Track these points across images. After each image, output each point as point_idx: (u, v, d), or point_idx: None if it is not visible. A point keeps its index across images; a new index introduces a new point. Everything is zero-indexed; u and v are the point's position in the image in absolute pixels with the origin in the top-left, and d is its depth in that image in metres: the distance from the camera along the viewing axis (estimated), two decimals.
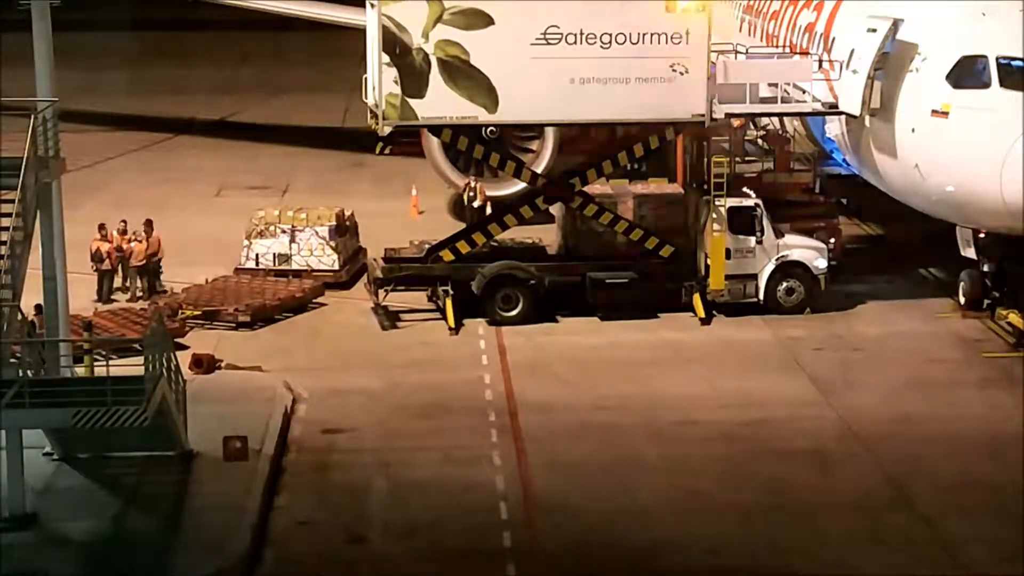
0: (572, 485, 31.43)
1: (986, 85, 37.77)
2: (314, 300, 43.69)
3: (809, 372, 37.95)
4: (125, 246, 44.11)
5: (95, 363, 33.77)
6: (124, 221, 45.00)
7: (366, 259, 45.53)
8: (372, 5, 41.16)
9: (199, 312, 41.53)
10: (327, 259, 45.24)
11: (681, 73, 40.78)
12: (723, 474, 31.94)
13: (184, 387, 32.07)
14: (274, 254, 45.30)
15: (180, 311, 41.14)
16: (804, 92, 42.92)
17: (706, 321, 41.75)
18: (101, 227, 44.57)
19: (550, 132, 49.88)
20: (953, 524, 29.53)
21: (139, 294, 43.88)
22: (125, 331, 38.64)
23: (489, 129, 44.78)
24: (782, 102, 42.68)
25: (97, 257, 43.70)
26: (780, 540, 28.94)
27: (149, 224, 44.96)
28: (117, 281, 44.49)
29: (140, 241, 44.32)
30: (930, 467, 32.17)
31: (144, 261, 44.21)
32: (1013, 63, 37.64)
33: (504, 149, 45.56)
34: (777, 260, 42.27)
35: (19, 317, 29.70)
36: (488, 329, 41.44)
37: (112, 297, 43.80)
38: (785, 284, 42.31)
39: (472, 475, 31.94)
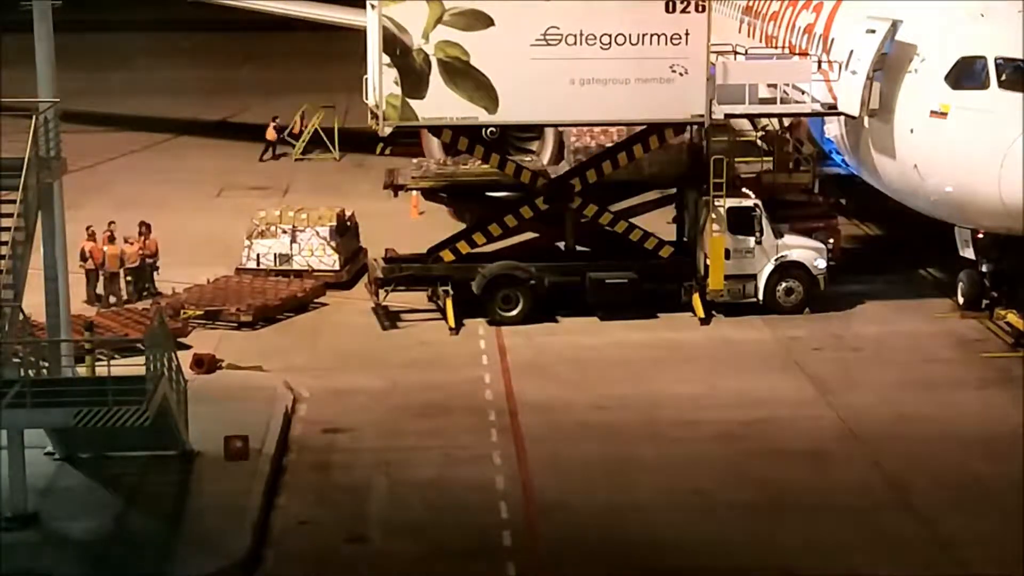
0: (572, 485, 31.50)
1: (985, 86, 37.87)
2: (315, 300, 43.76)
3: (808, 372, 38.03)
4: (108, 247, 43.93)
5: (96, 363, 33.85)
6: (112, 223, 44.88)
7: (367, 259, 45.62)
8: (372, 6, 41.23)
9: (201, 312, 41.61)
10: (328, 259, 45.31)
11: (681, 74, 40.87)
12: (723, 474, 32.01)
13: (185, 387, 32.15)
14: (275, 254, 45.35)
15: (182, 311, 41.21)
16: (803, 93, 42.97)
17: (706, 321, 41.84)
18: (88, 228, 44.29)
19: (550, 132, 50.02)
20: (952, 524, 29.58)
21: (129, 295, 43.82)
22: (127, 331, 38.70)
23: (489, 130, 44.85)
24: (781, 103, 42.75)
25: (81, 256, 43.42)
26: (779, 540, 29.00)
27: (145, 226, 44.94)
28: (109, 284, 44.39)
29: (132, 243, 44.25)
30: (929, 467, 32.22)
31: (138, 263, 44.16)
32: (1012, 64, 37.76)
33: (504, 150, 45.63)
34: (776, 260, 42.33)
35: (20, 317, 29.79)
36: (488, 329, 41.52)
37: (98, 297, 43.63)
38: (784, 284, 42.38)
39: (472, 475, 32.02)
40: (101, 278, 43.76)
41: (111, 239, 44.07)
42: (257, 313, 41.72)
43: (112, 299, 43.62)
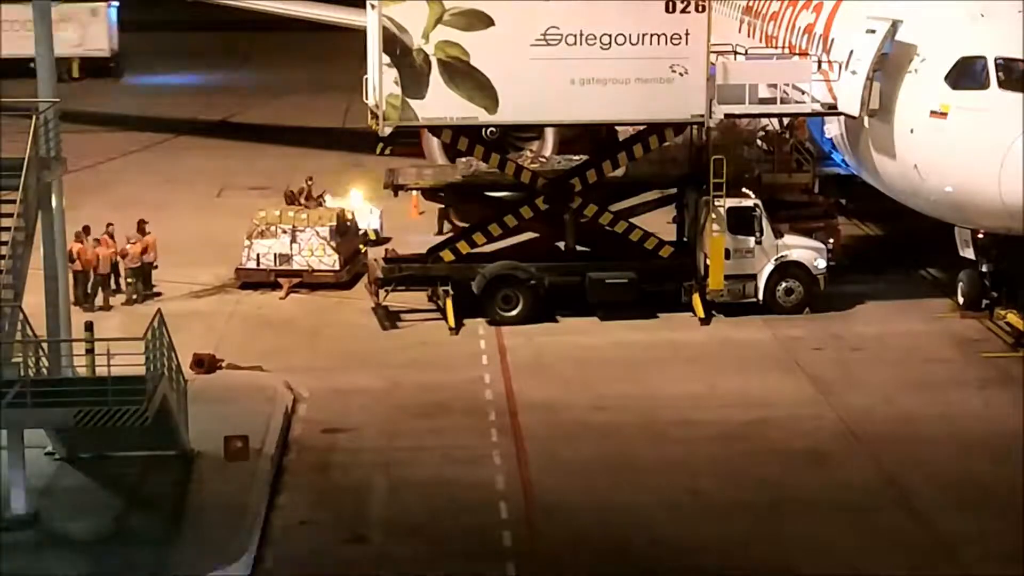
0: (572, 485, 31.50)
1: (985, 86, 37.87)
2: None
3: (808, 372, 38.04)
4: (105, 250, 43.75)
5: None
6: (111, 224, 44.76)
7: (367, 259, 45.63)
8: (372, 6, 41.24)
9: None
10: (328, 259, 45.30)
11: (681, 74, 40.88)
12: (722, 474, 32.01)
13: (185, 387, 32.16)
14: (275, 254, 45.33)
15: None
16: (803, 93, 42.96)
17: (706, 321, 41.85)
18: (86, 229, 44.15)
19: (550, 132, 50.00)
20: (952, 524, 29.59)
21: (134, 296, 43.84)
22: None
23: (489, 130, 44.82)
24: (781, 103, 42.74)
25: (68, 258, 43.19)
26: (779, 540, 29.00)
27: (142, 225, 44.90)
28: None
29: (135, 242, 44.23)
30: (929, 467, 32.23)
31: (139, 263, 44.10)
32: (1012, 64, 37.77)
33: (504, 150, 45.65)
34: (776, 260, 42.34)
35: (20, 317, 29.80)
36: (488, 329, 41.53)
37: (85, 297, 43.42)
38: (784, 284, 42.38)
39: (472, 475, 32.02)
40: (92, 278, 43.58)
41: (98, 241, 43.79)
42: None
43: (100, 301, 43.40)
